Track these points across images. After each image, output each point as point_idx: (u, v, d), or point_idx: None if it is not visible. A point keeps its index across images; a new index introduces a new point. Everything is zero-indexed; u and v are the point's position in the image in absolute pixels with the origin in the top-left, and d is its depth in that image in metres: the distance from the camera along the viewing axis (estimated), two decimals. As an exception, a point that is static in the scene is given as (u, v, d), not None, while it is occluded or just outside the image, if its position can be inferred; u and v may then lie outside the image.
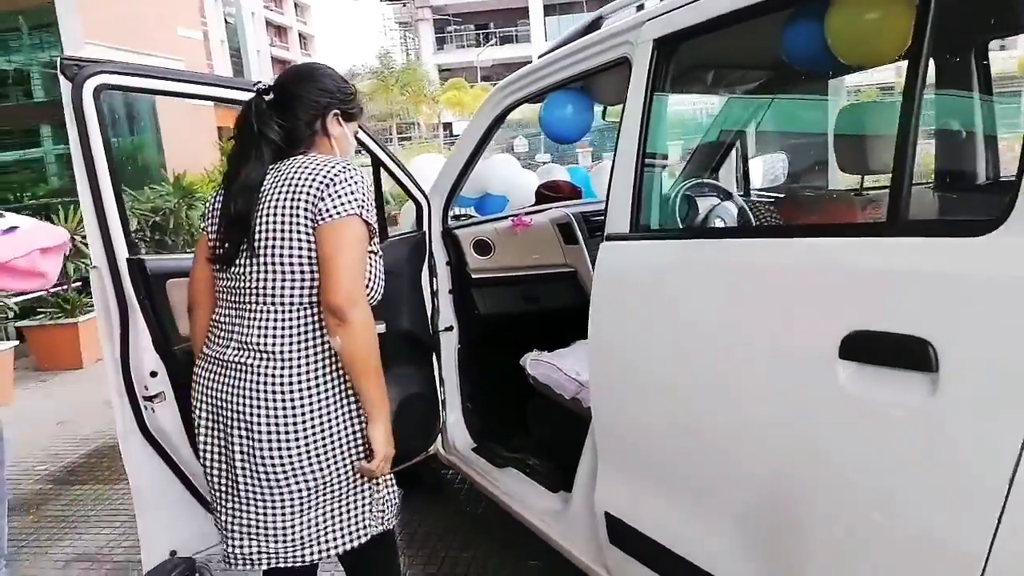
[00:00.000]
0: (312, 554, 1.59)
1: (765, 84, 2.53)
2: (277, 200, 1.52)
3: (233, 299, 1.60)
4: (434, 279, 2.67)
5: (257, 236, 1.52)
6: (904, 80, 1.16)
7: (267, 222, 1.52)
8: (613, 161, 1.77)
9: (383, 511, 1.68)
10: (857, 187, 2.34)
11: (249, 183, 1.54)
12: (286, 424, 1.51)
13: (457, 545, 2.71)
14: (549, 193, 3.41)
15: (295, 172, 1.52)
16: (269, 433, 1.51)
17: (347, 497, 1.61)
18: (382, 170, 2.50)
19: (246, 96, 1.97)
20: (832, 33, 1.51)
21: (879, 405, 1.12)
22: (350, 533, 1.62)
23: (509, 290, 1.95)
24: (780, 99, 2.60)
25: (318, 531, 1.59)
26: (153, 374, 1.99)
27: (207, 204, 1.73)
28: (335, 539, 1.61)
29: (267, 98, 1.62)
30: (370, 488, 1.64)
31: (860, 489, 1.17)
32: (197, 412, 1.66)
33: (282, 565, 1.59)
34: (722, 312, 1.43)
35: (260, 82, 1.71)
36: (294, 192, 1.50)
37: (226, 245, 1.58)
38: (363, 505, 1.63)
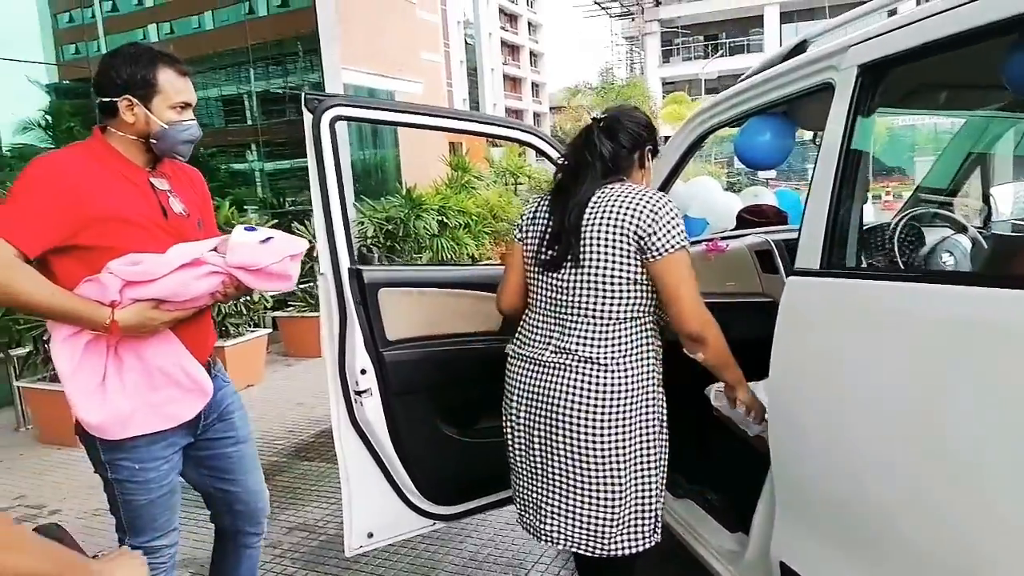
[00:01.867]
0: (608, 547, 1.74)
1: (997, 107, 2.23)
2: (605, 222, 1.68)
3: (552, 306, 1.79)
4: None
5: (583, 250, 1.70)
6: None
7: (595, 240, 1.69)
8: (808, 190, 1.68)
9: (657, 524, 1.81)
10: None
11: (583, 199, 1.72)
12: (604, 422, 1.68)
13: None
14: (751, 218, 3.27)
15: (623, 198, 1.69)
16: (588, 430, 1.68)
17: (644, 501, 1.76)
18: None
19: (452, 123, 2.17)
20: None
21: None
22: (640, 537, 1.77)
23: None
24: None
25: (614, 528, 1.74)
26: (363, 372, 2.22)
27: (523, 215, 1.92)
28: (631, 538, 1.76)
29: (600, 125, 1.82)
30: (657, 499, 1.79)
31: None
32: (509, 404, 1.87)
33: (580, 551, 1.76)
34: (929, 371, 1.29)
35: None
36: (622, 218, 1.67)
37: (552, 252, 1.76)
38: (652, 513, 1.78)
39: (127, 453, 1.78)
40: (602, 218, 1.69)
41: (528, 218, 1.89)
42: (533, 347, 1.81)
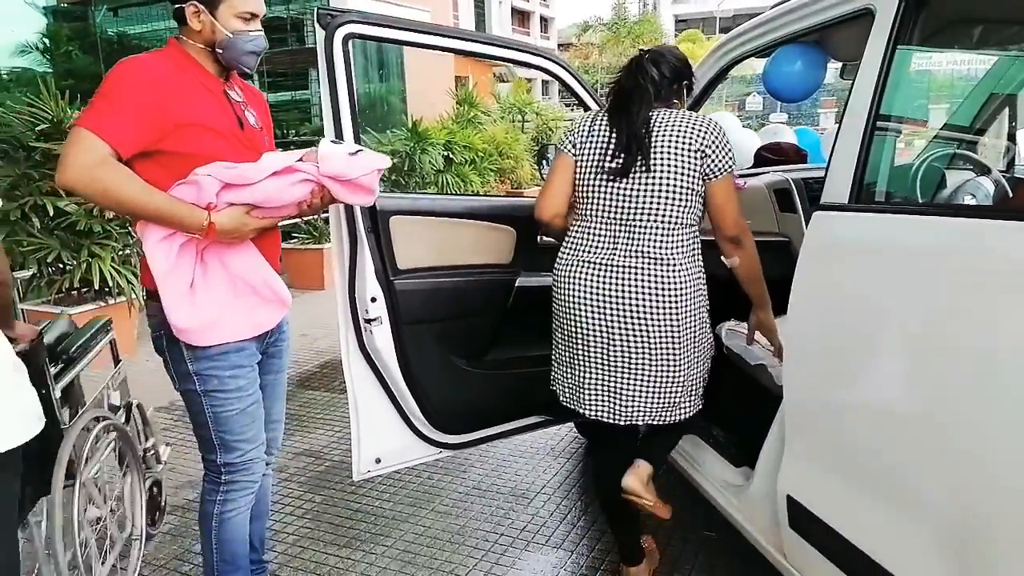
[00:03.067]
0: (679, 414, 2.02)
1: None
2: (674, 137, 1.88)
3: (616, 213, 1.93)
4: None
5: (654, 158, 1.87)
6: None
7: (665, 150, 1.87)
8: (840, 122, 1.63)
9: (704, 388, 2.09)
10: None
11: (646, 115, 1.90)
12: (679, 312, 1.90)
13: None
14: (770, 156, 3.20)
15: (688, 120, 1.90)
16: (667, 319, 1.89)
17: (701, 371, 2.03)
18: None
19: (475, 47, 2.10)
20: None
21: None
22: (698, 401, 2.06)
23: (708, 254, 1.92)
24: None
25: (684, 397, 2.00)
26: (373, 299, 2.20)
27: (576, 131, 2.04)
28: (693, 403, 2.04)
29: (646, 55, 1.98)
30: (707, 369, 2.06)
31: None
32: (577, 307, 1.97)
33: (658, 422, 2.01)
34: (954, 303, 1.27)
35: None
36: (691, 135, 1.87)
37: (619, 161, 1.91)
38: (704, 380, 2.06)
39: (216, 361, 1.77)
40: (670, 133, 1.88)
41: (583, 133, 2.01)
42: (599, 252, 1.95)
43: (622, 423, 2.00)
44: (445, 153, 8.20)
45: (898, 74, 1.55)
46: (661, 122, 1.90)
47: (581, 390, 2.04)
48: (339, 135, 2.08)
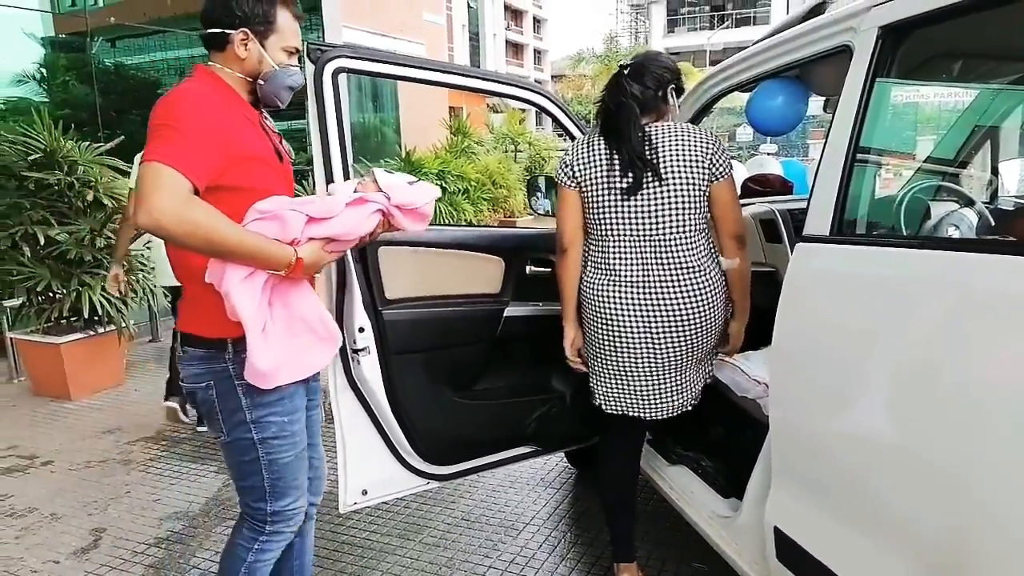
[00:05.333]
0: (698, 399, 2.16)
1: (1021, 78, 2.19)
2: (678, 146, 1.95)
3: (637, 229, 1.99)
4: None
5: (665, 169, 1.94)
6: None
7: (672, 159, 1.94)
8: (821, 155, 1.65)
9: None
10: None
11: (639, 132, 1.96)
12: (713, 312, 2.01)
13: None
14: (756, 187, 3.23)
15: (684, 132, 1.97)
16: (702, 323, 2.00)
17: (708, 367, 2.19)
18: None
19: (462, 80, 2.12)
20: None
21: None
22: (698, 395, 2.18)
23: None
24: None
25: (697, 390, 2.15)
26: (361, 330, 2.20)
27: (572, 162, 2.06)
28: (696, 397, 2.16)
29: (626, 71, 2.04)
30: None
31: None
32: (618, 323, 2.03)
33: (686, 409, 2.13)
34: (933, 335, 1.28)
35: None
36: (693, 144, 1.95)
37: (629, 179, 1.97)
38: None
39: (274, 407, 1.68)
40: (673, 142, 1.95)
41: (581, 160, 2.04)
42: (631, 269, 2.01)
43: (663, 417, 2.11)
44: (438, 182, 8.25)
45: (877, 108, 1.58)
46: (662, 135, 1.96)
47: (631, 396, 2.12)
48: (328, 168, 2.09)
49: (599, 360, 2.14)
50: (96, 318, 4.55)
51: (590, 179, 2.03)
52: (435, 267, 2.40)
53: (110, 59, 7.79)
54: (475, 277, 2.47)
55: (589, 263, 2.10)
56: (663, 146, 1.95)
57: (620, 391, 2.12)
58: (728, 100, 2.52)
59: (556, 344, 2.24)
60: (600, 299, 2.05)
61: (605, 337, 2.07)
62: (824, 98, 2.41)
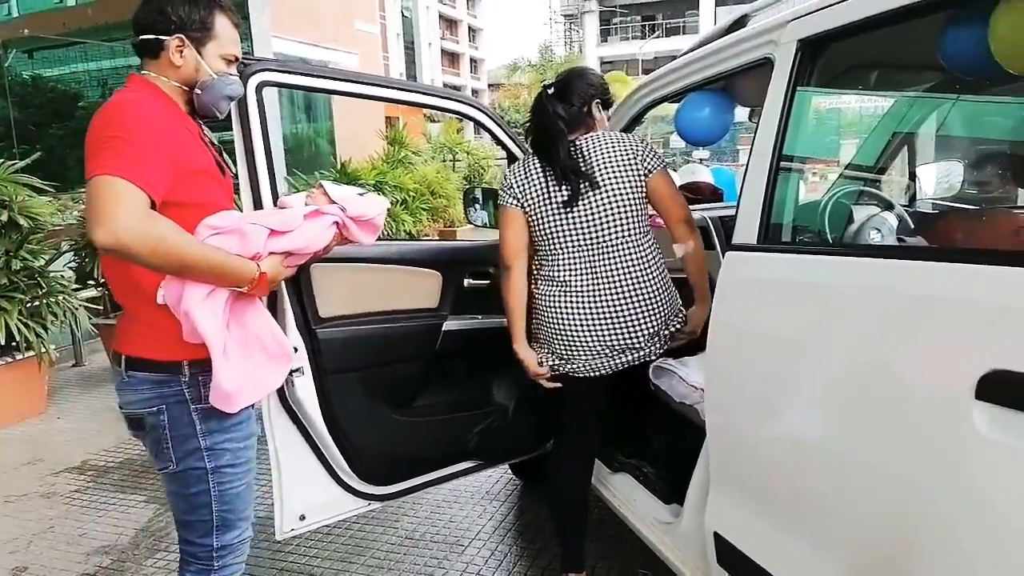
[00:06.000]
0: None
1: (933, 86, 2.29)
2: (607, 153, 2.00)
3: (582, 240, 2.02)
4: None
5: (597, 174, 1.98)
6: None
7: (604, 165, 1.99)
8: (746, 165, 1.68)
9: None
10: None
11: (567, 147, 2.01)
12: (663, 306, 2.06)
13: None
14: (688, 195, 3.28)
15: (610, 140, 2.03)
16: (653, 316, 2.04)
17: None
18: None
19: (395, 94, 2.10)
20: (997, 39, 1.34)
21: (1015, 451, 1.00)
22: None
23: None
24: (954, 101, 2.34)
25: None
26: (295, 350, 2.14)
27: (512, 184, 2.10)
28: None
29: (550, 91, 2.09)
30: None
31: (991, 539, 1.04)
32: (568, 325, 2.05)
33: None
34: (853, 338, 1.32)
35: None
36: (620, 148, 2.01)
37: (566, 190, 2.00)
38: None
39: (231, 432, 1.60)
40: (602, 150, 2.00)
41: (521, 182, 2.09)
42: (583, 280, 2.04)
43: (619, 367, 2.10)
44: (377, 193, 8.16)
45: (799, 117, 1.62)
46: (592, 145, 2.02)
47: (583, 356, 2.10)
48: (255, 187, 2.03)
49: (548, 333, 2.14)
50: (14, 343, 4.31)
51: (531, 198, 2.07)
52: (370, 282, 2.35)
53: (28, 71, 7.45)
54: (412, 292, 2.43)
55: (540, 278, 2.13)
56: (594, 156, 2.00)
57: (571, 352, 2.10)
58: (661, 109, 2.55)
59: (496, 357, 2.22)
60: (554, 309, 2.07)
61: (556, 330, 2.09)
62: (749, 109, 2.47)
